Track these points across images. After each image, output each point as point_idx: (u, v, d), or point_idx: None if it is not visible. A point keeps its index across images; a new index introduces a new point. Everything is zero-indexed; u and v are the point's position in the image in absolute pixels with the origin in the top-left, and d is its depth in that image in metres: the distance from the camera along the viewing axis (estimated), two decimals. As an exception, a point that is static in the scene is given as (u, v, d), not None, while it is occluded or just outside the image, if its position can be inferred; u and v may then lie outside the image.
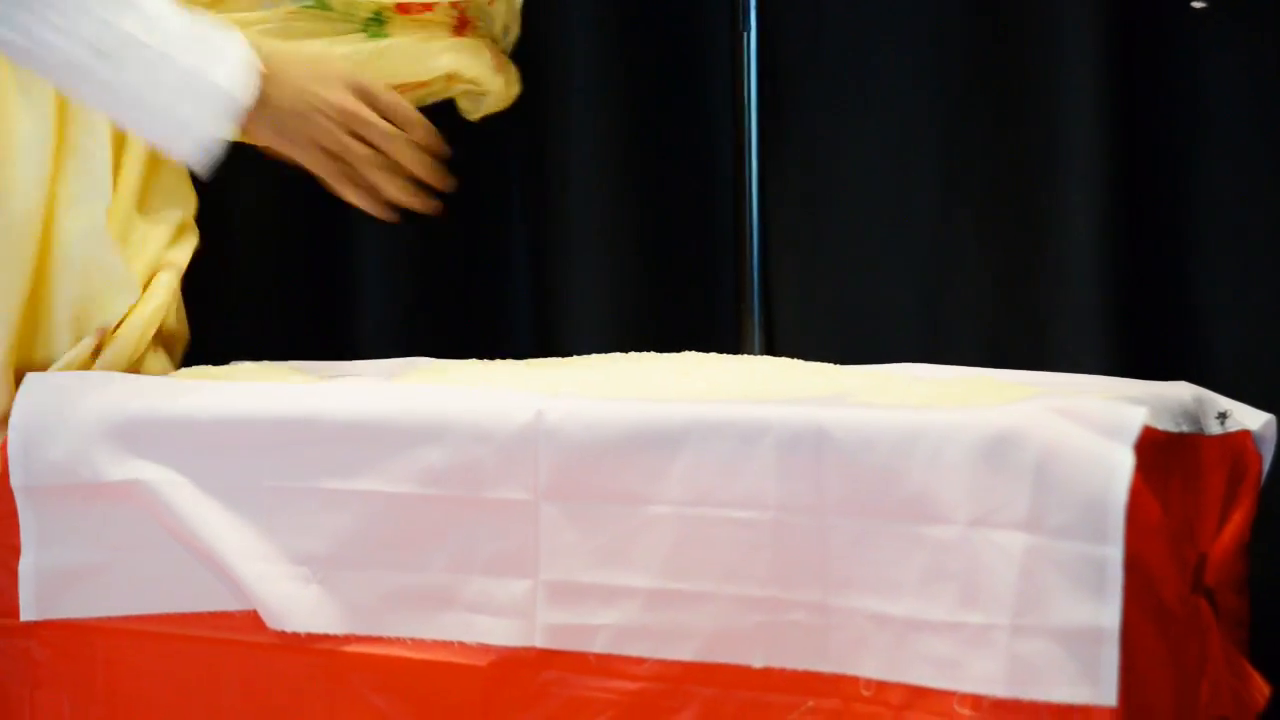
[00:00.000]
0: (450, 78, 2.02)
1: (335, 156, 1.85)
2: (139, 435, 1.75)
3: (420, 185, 1.88)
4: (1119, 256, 2.16)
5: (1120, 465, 1.52)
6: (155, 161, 1.96)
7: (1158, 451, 1.58)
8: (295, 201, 2.42)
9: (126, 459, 1.75)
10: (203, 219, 2.39)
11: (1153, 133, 2.17)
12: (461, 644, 1.71)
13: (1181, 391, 1.72)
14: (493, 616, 1.70)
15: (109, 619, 1.77)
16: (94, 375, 1.82)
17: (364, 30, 1.96)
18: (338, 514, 1.72)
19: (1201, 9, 1.76)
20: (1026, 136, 2.21)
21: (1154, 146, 2.17)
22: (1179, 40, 2.16)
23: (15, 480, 1.76)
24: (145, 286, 1.93)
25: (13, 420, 1.77)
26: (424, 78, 1.99)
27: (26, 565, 1.76)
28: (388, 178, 1.87)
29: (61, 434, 1.76)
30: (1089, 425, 1.55)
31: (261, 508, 1.73)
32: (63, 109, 1.87)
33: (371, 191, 1.88)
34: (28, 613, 1.77)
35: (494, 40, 2.05)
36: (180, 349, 2.00)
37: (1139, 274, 2.14)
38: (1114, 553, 1.51)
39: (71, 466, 1.75)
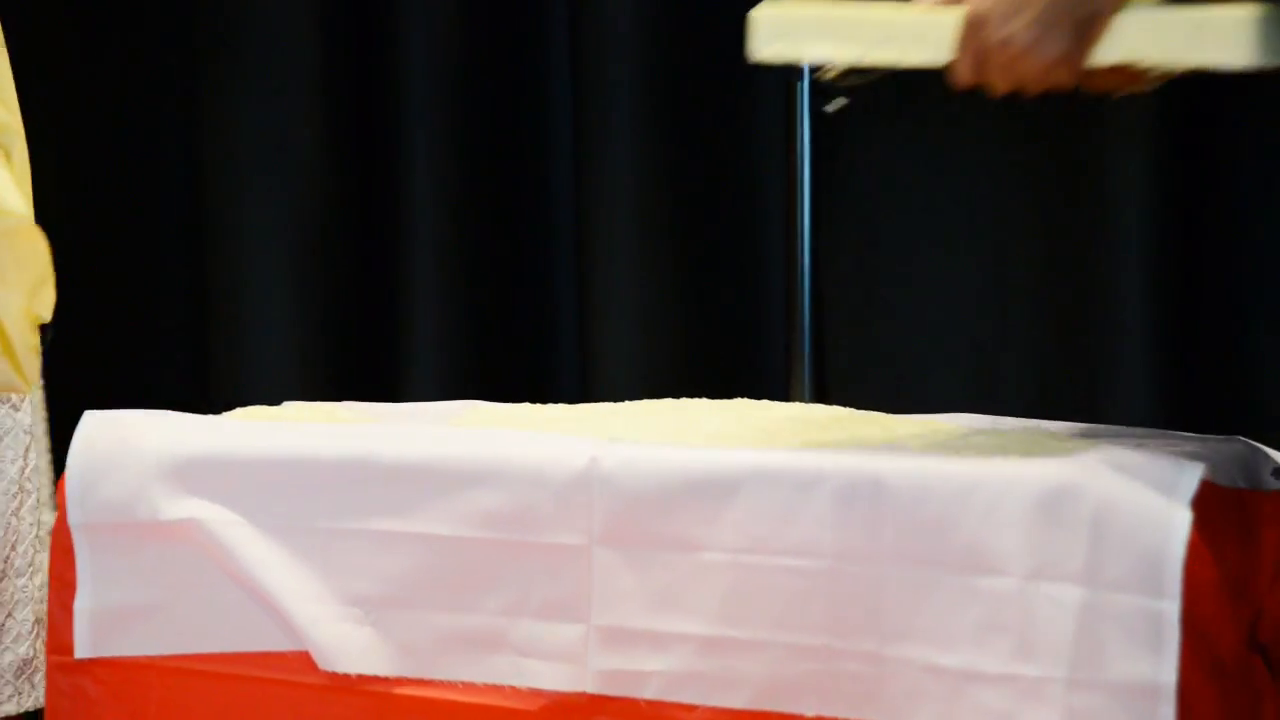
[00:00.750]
0: None
1: None
2: (195, 474, 1.76)
3: None
4: (1173, 310, 2.17)
5: (1178, 520, 1.52)
6: None
7: (1214, 507, 1.58)
8: (344, 245, 2.44)
9: (182, 498, 1.76)
10: (250, 264, 2.42)
11: (1203, 186, 2.17)
12: (513, 688, 1.71)
13: (1237, 447, 1.72)
14: (544, 661, 1.70)
15: (162, 657, 1.77)
16: (151, 414, 1.83)
17: None
18: (391, 555, 1.72)
19: (839, 109, 1.78)
20: (1080, 186, 2.21)
21: (1204, 197, 2.17)
22: (1227, 100, 2.17)
23: (73, 518, 1.77)
24: None
25: (71, 457, 1.78)
26: None
27: (82, 603, 1.77)
28: None
29: (118, 472, 1.76)
30: (1146, 479, 1.55)
31: (315, 548, 1.74)
32: None
33: None
34: (83, 650, 1.77)
35: None
36: None
37: (1193, 328, 2.15)
38: (1171, 608, 1.51)
39: (128, 505, 1.76)
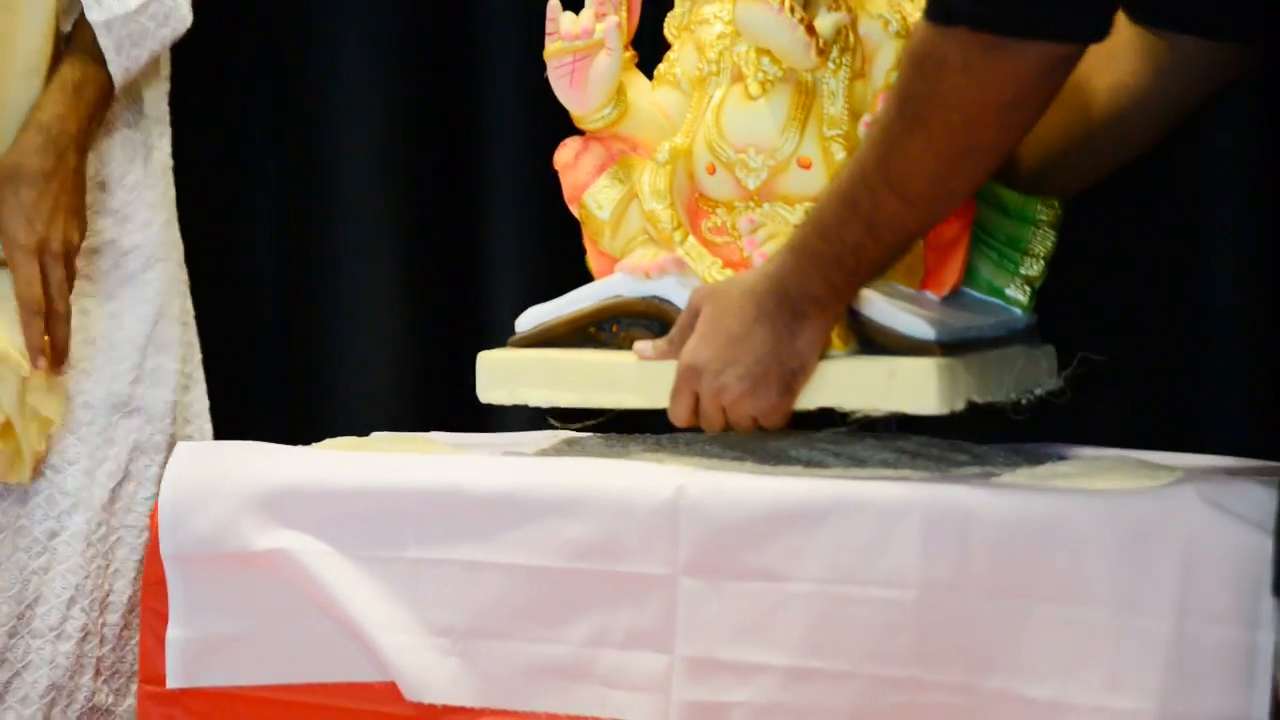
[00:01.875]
0: None
1: None
2: (283, 505, 1.77)
3: None
4: (1267, 340, 2.15)
5: (1271, 552, 1.50)
6: None
7: (1308, 537, 1.56)
8: (433, 276, 2.45)
9: (271, 528, 1.77)
10: (339, 297, 2.43)
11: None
12: (597, 719, 1.71)
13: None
14: (629, 692, 1.70)
15: (252, 687, 1.78)
16: (240, 445, 1.85)
17: None
18: (478, 585, 1.73)
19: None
20: (1174, 217, 2.20)
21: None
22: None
23: (165, 549, 1.78)
24: None
25: (163, 489, 1.79)
26: None
27: (174, 633, 1.78)
28: None
29: (209, 504, 1.78)
30: (1238, 510, 1.54)
31: (403, 578, 1.74)
32: None
33: None
34: (174, 680, 1.78)
35: None
36: None
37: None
38: (1266, 640, 1.50)
39: (218, 536, 1.77)
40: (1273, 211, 2.17)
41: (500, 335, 2.40)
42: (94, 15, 1.98)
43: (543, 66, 1.86)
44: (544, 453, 1.91)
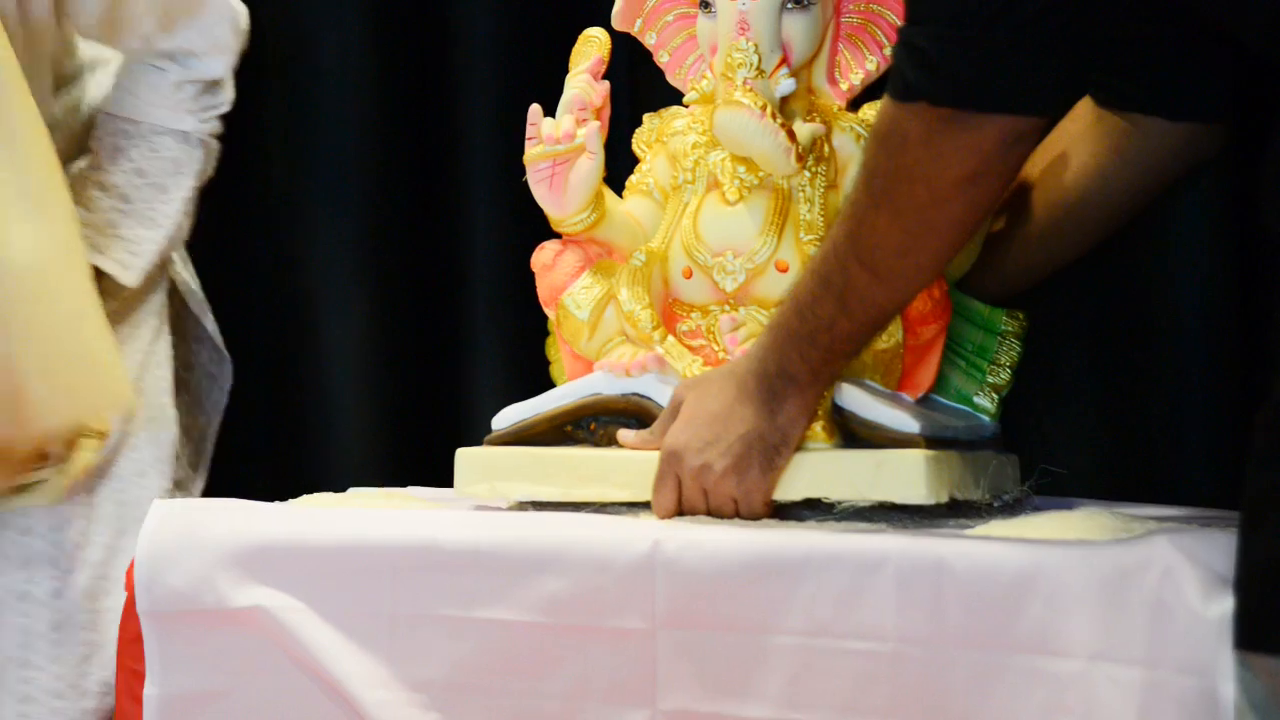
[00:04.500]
0: None
1: None
2: (261, 562, 1.77)
3: None
4: (1236, 391, 2.16)
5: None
6: None
7: None
8: (408, 327, 2.46)
9: (249, 585, 1.77)
10: (316, 346, 2.44)
11: (1268, 268, 2.17)
12: (578, 774, 1.71)
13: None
14: (609, 746, 1.70)
15: (230, 745, 1.78)
16: (217, 502, 1.85)
17: None
18: (457, 641, 1.73)
19: None
20: (1138, 261, 2.21)
21: (1269, 278, 2.17)
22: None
23: (141, 606, 1.78)
24: None
25: (140, 546, 1.79)
26: None
27: (150, 690, 1.78)
28: None
29: (185, 561, 1.78)
30: (1210, 561, 1.55)
31: (382, 634, 1.75)
32: None
33: None
34: (151, 739, 1.78)
35: None
36: None
37: (1252, 408, 2.13)
38: (1228, 690, 1.50)
39: (195, 593, 1.77)
40: (1241, 263, 2.19)
41: (479, 387, 2.42)
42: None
43: (522, 168, 1.87)
44: (520, 507, 1.91)
